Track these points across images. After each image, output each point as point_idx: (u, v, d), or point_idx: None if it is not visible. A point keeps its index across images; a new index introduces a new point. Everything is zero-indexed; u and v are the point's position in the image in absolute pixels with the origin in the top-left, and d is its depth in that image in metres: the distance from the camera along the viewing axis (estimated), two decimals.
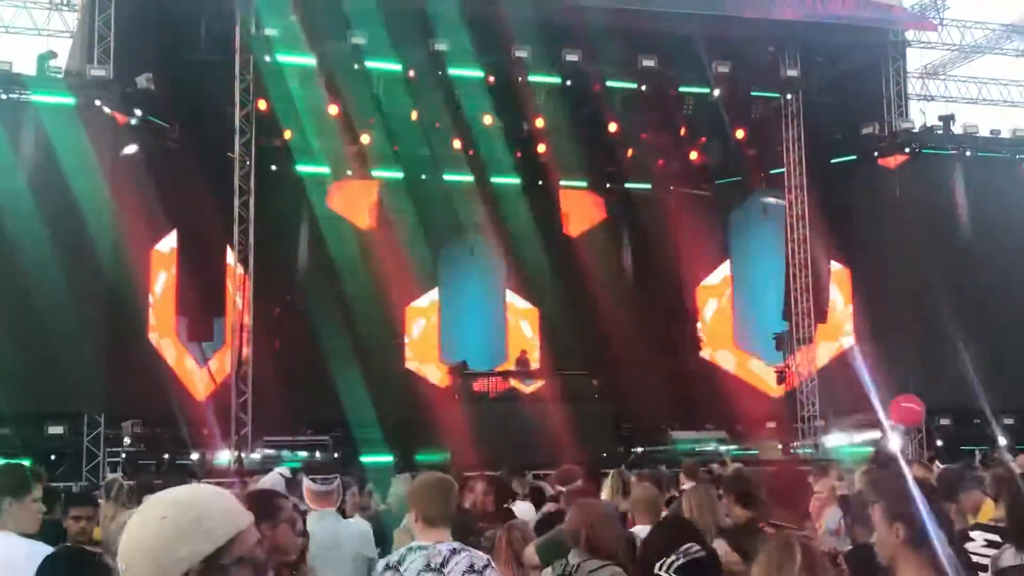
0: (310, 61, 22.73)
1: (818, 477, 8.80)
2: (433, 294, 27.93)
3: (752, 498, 5.98)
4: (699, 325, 29.49)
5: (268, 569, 2.30)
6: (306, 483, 6.46)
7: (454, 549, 4.75)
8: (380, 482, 11.21)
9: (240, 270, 21.88)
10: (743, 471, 8.34)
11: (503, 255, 26.87)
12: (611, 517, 5.64)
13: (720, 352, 29.06)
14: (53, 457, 18.98)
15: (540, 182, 28.11)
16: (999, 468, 9.44)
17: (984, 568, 4.78)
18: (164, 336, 22.51)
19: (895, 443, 21.56)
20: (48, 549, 4.84)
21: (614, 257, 28.93)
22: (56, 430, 19.63)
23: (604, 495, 8.66)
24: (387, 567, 4.84)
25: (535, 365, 25.19)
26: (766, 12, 23.37)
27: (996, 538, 5.04)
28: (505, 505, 8.48)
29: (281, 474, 7.63)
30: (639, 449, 24.09)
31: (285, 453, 21.72)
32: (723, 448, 23.18)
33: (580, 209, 29.61)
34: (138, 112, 21.49)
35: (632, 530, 6.50)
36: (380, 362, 24.75)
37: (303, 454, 21.72)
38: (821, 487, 8.35)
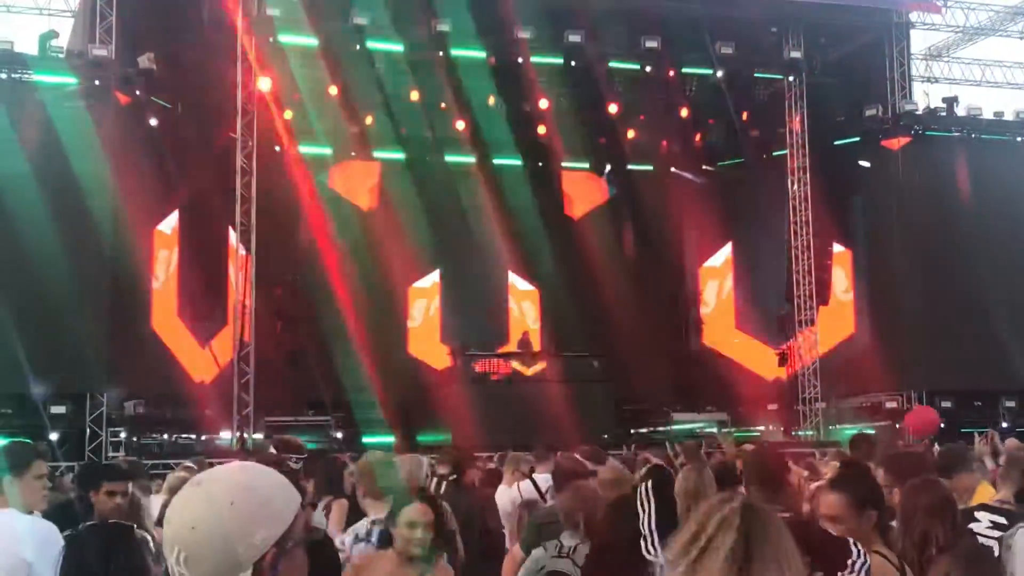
0: (312, 41, 22.67)
1: (819, 461, 8.81)
2: (435, 275, 27.92)
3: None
4: (701, 307, 29.48)
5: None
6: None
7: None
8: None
9: (242, 250, 21.86)
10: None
11: (505, 237, 26.84)
12: (606, 500, 5.65)
13: (722, 334, 29.05)
14: (55, 437, 19.01)
15: (542, 163, 28.09)
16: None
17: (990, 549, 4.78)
18: (166, 316, 22.52)
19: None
20: (48, 525, 4.84)
21: (616, 239, 28.90)
22: (59, 409, 19.67)
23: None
24: (356, 539, 5.05)
25: (537, 347, 25.22)
26: None
27: (1003, 520, 5.04)
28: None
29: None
30: (642, 430, 24.15)
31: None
32: (724, 430, 23.20)
33: (582, 191, 29.58)
34: (140, 92, 21.45)
35: None
36: (381, 343, 24.77)
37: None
38: (823, 470, 8.35)
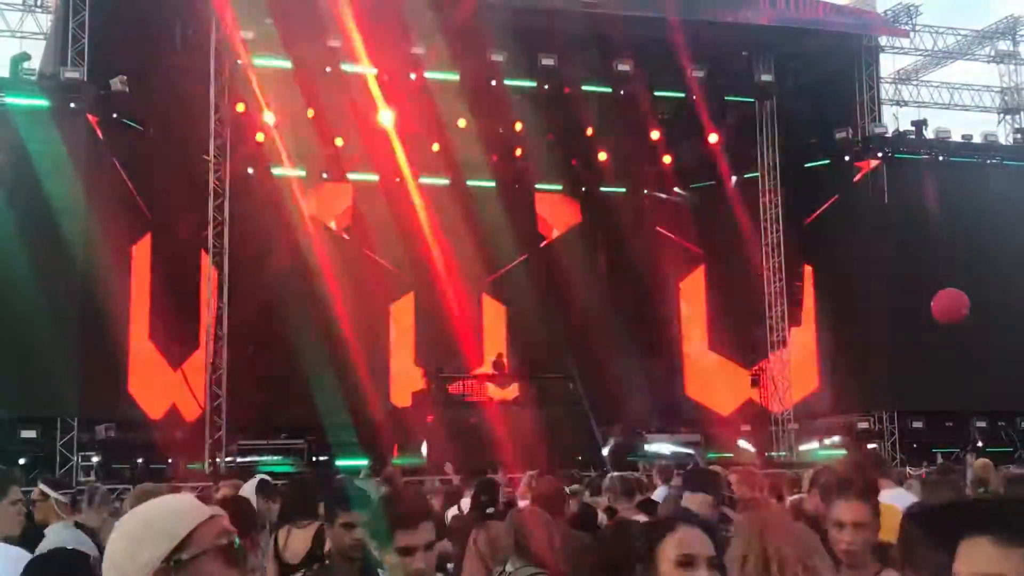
0: (286, 64, 22.71)
1: (791, 484, 8.85)
2: (409, 297, 27.90)
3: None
4: (674, 328, 29.56)
5: (247, 552, 2.35)
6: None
7: None
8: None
9: (214, 273, 21.80)
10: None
11: (479, 258, 26.86)
12: (549, 523, 5.60)
13: (695, 355, 29.15)
14: (23, 461, 18.81)
15: (516, 185, 28.16)
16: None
17: None
18: (138, 339, 22.38)
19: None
20: (21, 552, 4.82)
21: (589, 260, 28.95)
22: (29, 434, 19.52)
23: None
24: None
25: (510, 368, 25.21)
26: (740, 17, 23.53)
27: None
28: None
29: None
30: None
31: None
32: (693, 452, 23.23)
33: (556, 212, 29.68)
34: (113, 115, 21.39)
35: None
36: (355, 365, 24.67)
37: (277, 458, 21.66)
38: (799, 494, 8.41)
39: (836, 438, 24.15)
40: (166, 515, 2.24)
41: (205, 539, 2.20)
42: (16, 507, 5.01)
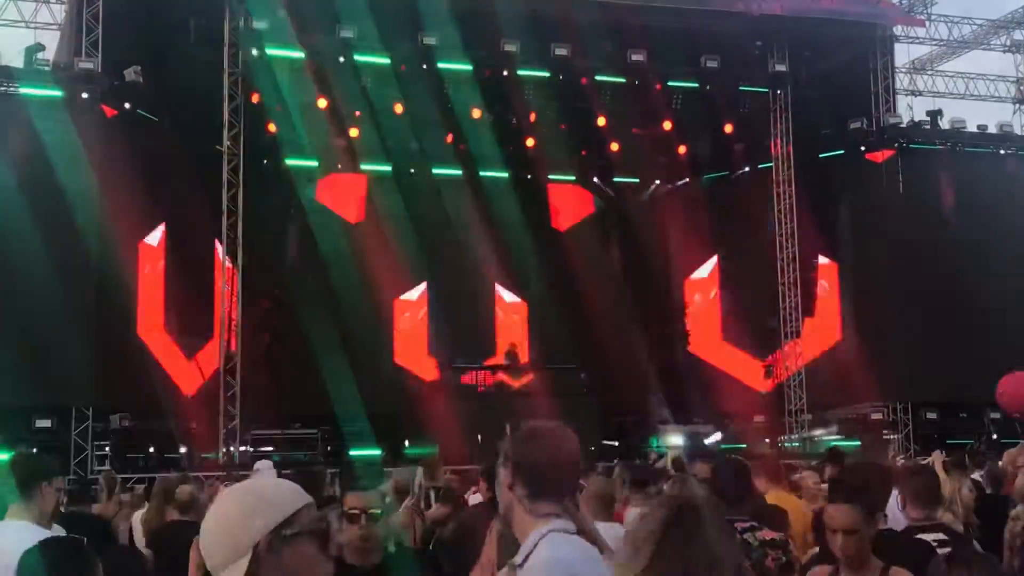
0: (299, 55, 22.71)
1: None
2: (422, 288, 27.91)
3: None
4: (687, 319, 29.52)
5: (331, 541, 2.59)
6: None
7: None
8: (369, 475, 11.29)
9: (228, 263, 21.85)
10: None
11: (491, 249, 26.85)
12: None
13: (708, 346, 29.09)
14: (35, 451, 18.86)
15: (529, 176, 28.11)
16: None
17: None
18: (152, 329, 22.46)
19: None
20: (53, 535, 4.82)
21: (602, 251, 28.93)
22: (44, 423, 19.59)
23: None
24: None
25: (524, 359, 25.20)
26: (754, 7, 23.44)
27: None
28: None
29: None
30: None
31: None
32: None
33: (569, 203, 29.62)
34: (126, 105, 21.43)
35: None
36: (369, 356, 24.73)
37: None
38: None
39: (834, 426, 24.11)
40: (276, 492, 2.46)
41: (305, 520, 2.40)
42: (57, 494, 5.04)
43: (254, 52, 22.18)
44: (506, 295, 28.77)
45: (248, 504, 2.40)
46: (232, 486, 2.57)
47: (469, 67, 23.58)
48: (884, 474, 6.52)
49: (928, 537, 5.02)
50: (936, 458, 8.44)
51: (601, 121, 25.92)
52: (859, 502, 4.27)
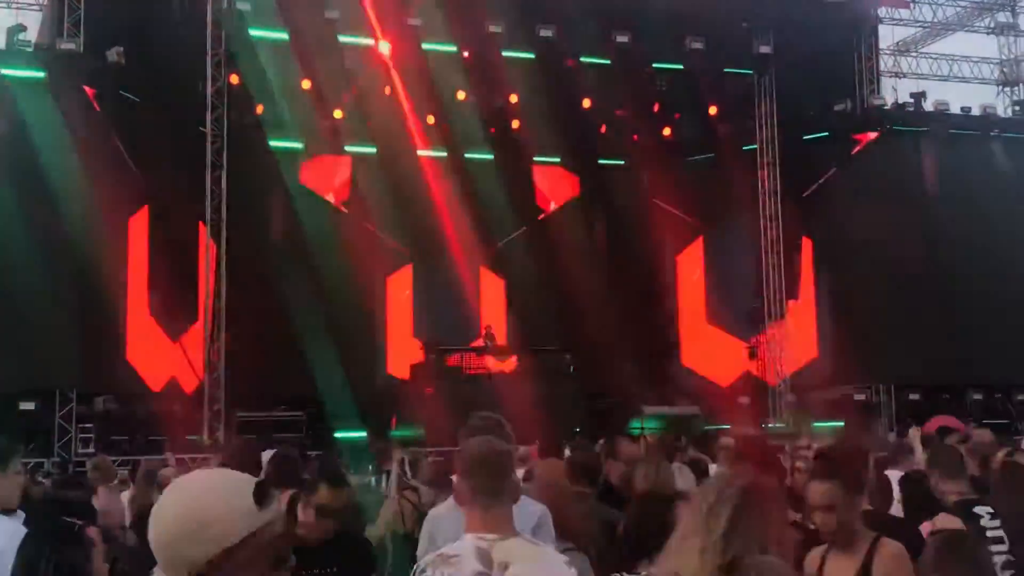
0: (283, 35, 22.60)
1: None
2: (407, 270, 27.87)
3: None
4: (671, 301, 29.54)
5: (286, 558, 2.32)
6: None
7: None
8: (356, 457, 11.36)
9: (213, 245, 21.77)
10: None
11: (476, 231, 26.82)
12: (577, 497, 5.53)
13: (693, 328, 29.14)
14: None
15: (513, 158, 28.05)
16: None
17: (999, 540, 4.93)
18: (136, 311, 22.37)
19: None
20: (18, 525, 4.79)
21: (587, 233, 28.89)
22: (28, 406, 19.53)
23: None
24: None
25: (505, 340, 25.20)
26: None
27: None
28: None
29: None
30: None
31: None
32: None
33: (554, 185, 29.58)
34: (109, 86, 21.30)
35: None
36: (354, 338, 24.70)
37: None
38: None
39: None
40: (225, 515, 2.21)
41: (252, 549, 2.21)
42: (19, 477, 4.98)
43: (238, 33, 22.05)
44: (491, 277, 28.74)
45: (188, 531, 2.18)
46: (180, 492, 2.28)
47: (453, 48, 23.51)
48: (864, 454, 6.59)
49: (980, 511, 5.32)
50: (914, 434, 8.52)
51: (586, 103, 25.90)
52: (838, 479, 4.32)
